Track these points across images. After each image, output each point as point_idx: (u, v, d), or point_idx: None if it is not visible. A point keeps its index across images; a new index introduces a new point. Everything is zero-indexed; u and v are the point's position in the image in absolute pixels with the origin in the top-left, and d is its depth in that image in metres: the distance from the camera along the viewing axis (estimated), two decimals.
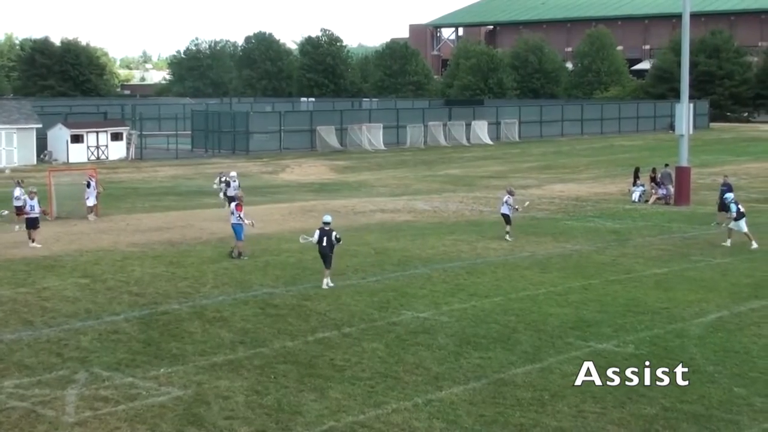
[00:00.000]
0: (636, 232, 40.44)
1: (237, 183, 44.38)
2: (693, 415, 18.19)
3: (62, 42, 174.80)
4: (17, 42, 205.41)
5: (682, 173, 50.80)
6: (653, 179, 52.49)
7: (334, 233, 29.15)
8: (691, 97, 61.42)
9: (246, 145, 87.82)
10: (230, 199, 43.25)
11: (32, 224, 36.94)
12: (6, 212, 39.42)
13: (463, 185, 61.01)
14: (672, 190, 50.90)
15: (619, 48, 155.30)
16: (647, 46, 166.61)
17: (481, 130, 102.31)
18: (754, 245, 36.60)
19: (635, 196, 51.94)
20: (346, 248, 35.98)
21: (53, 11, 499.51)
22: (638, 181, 53.06)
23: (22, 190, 40.46)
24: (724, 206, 42.27)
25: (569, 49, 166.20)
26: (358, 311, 26.17)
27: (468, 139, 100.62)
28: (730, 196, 38.98)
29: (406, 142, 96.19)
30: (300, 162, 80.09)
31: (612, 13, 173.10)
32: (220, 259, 33.28)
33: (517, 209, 39.02)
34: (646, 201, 51.20)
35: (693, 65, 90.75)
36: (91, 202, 43.52)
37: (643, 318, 25.51)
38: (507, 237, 37.72)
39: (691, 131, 52.71)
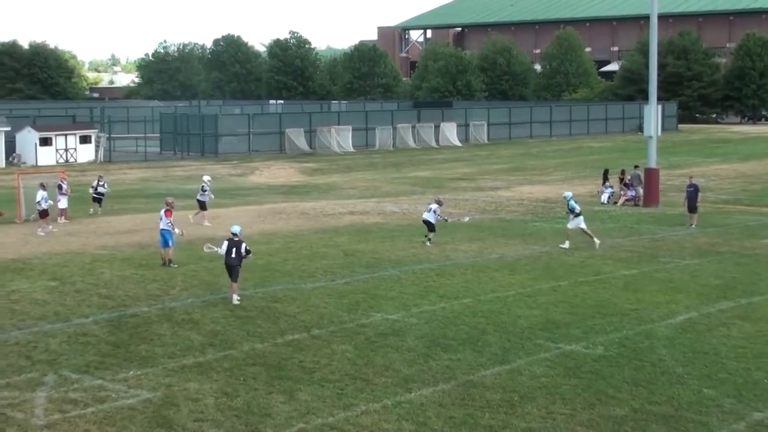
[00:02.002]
0: (605, 234, 40.55)
1: (209, 189, 43.61)
2: (662, 416, 18.29)
3: (30, 45, 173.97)
4: None
5: (651, 175, 51.06)
6: (622, 180, 52.74)
7: (243, 245, 27.53)
8: (660, 99, 61.84)
9: (215, 147, 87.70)
10: (201, 204, 43.08)
11: None
12: None
13: (432, 187, 61.07)
14: (641, 191, 51.13)
15: (588, 50, 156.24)
16: (615, 48, 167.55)
17: (450, 132, 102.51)
18: (597, 242, 36.95)
19: (604, 197, 52.18)
20: (316, 250, 36.01)
21: (21, 14, 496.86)
22: (607, 183, 53.29)
23: (46, 193, 40.56)
24: (691, 207, 42.63)
25: (538, 50, 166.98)
26: (328, 313, 26.18)
27: (437, 141, 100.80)
28: (568, 194, 38.69)
29: (375, 145, 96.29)
30: (269, 164, 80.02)
31: (580, 14, 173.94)
32: (189, 262, 33.19)
33: (445, 220, 38.85)
34: (615, 202, 51.45)
35: (661, 67, 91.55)
36: (62, 204, 43.32)
37: (613, 319, 25.63)
38: (427, 242, 37.20)
39: (659, 133, 53.02)
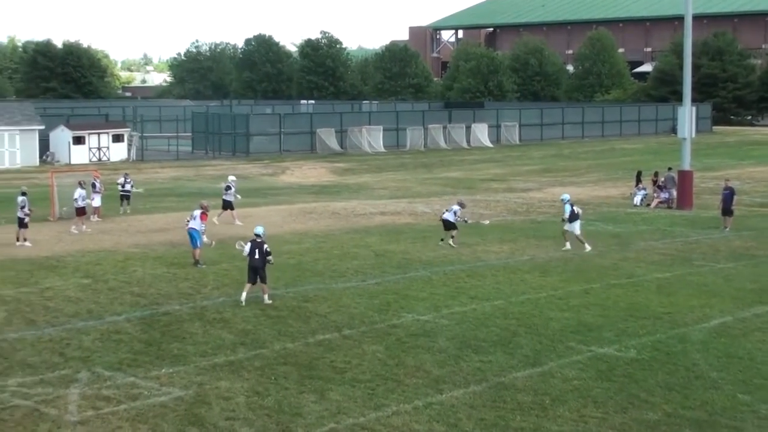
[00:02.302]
0: (638, 236, 40.43)
1: (234, 189, 43.58)
2: (696, 421, 18.17)
3: (64, 44, 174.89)
4: (20, 44, 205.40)
5: (685, 177, 50.74)
6: (655, 182, 52.48)
7: (266, 246, 27.31)
8: (694, 100, 61.55)
9: (246, 147, 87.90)
10: (225, 204, 43.11)
11: (22, 223, 37.32)
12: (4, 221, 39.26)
13: (463, 188, 61.00)
14: (675, 193, 50.84)
15: (621, 50, 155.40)
16: (649, 49, 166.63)
17: (481, 132, 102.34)
18: (587, 248, 36.51)
19: (637, 199, 51.93)
20: (347, 250, 36.03)
21: (55, 14, 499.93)
22: (640, 185, 53.04)
23: (83, 192, 40.95)
24: (726, 210, 42.37)
25: (570, 51, 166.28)
26: (359, 313, 26.18)
27: (468, 141, 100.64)
28: (566, 197, 38.13)
29: (406, 145, 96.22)
30: (300, 164, 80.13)
31: (613, 15, 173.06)
32: (221, 260, 33.28)
33: (465, 221, 38.73)
34: (648, 205, 51.19)
35: (695, 68, 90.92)
36: (96, 203, 43.48)
37: (645, 323, 25.49)
38: (450, 241, 37.04)
39: (693, 135, 52.66)
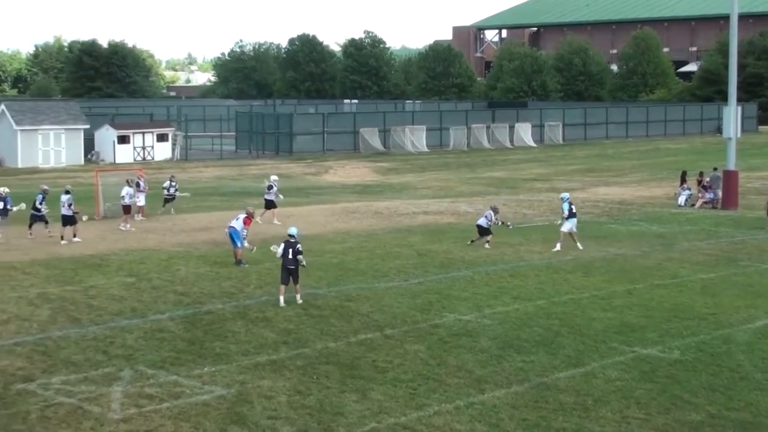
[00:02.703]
0: (682, 236, 40.15)
1: (276, 188, 43.62)
2: (740, 423, 18.01)
3: (109, 44, 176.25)
4: (65, 44, 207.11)
5: (730, 177, 50.32)
6: (700, 182, 52.09)
7: (298, 246, 27.18)
8: (739, 100, 61.02)
9: (289, 146, 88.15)
10: (267, 203, 43.19)
11: (68, 222, 37.72)
12: (23, 206, 39.48)
13: (506, 188, 60.88)
14: (720, 194, 50.43)
15: (665, 50, 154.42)
16: (694, 48, 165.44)
17: (524, 132, 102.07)
18: (579, 247, 36.45)
19: (681, 199, 51.56)
20: (389, 250, 36.03)
21: (101, 14, 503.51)
22: (685, 185, 52.67)
23: (131, 190, 41.51)
24: None
25: (614, 51, 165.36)
26: (401, 313, 26.17)
27: (511, 141, 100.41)
28: (565, 195, 38.01)
29: (449, 145, 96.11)
30: (343, 163, 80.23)
31: (658, 14, 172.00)
32: (264, 260, 33.34)
33: (508, 226, 38.75)
34: (693, 205, 50.82)
35: (741, 67, 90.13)
36: (140, 202, 43.68)
37: (689, 323, 25.31)
38: (487, 245, 36.88)
39: (738, 134, 52.27)
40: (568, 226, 36.87)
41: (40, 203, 38.21)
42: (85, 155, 77.36)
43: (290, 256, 27.03)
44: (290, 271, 27.14)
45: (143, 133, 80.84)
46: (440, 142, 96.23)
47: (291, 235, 27.54)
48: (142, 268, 32.30)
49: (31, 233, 38.32)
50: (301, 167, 76.79)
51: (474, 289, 29.35)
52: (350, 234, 40.12)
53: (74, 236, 37.80)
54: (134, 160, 77.96)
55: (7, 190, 40.49)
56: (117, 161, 76.54)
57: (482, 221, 37.33)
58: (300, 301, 27.19)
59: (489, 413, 18.29)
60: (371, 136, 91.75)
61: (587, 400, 19.13)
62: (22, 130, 73.37)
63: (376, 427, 17.59)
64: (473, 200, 53.17)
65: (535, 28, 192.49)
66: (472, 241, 37.40)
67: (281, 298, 27.06)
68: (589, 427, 17.73)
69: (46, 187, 40.22)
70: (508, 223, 39.19)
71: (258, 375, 20.50)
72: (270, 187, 43.33)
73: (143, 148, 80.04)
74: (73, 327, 24.50)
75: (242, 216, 33.29)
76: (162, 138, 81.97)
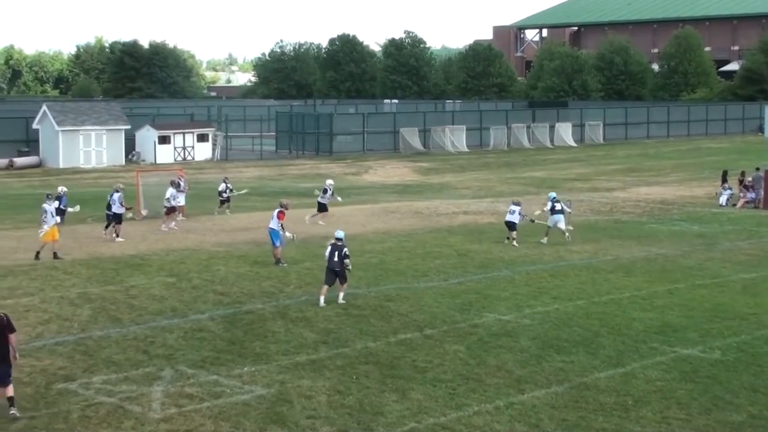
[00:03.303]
0: (723, 236, 39.90)
1: (331, 192, 43.46)
2: None
3: (150, 45, 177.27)
4: (107, 45, 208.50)
5: None
6: (741, 182, 51.72)
7: (345, 250, 27.31)
8: None
9: (329, 146, 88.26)
10: (320, 206, 43.14)
11: (116, 219, 38.20)
12: (78, 208, 39.94)
13: (546, 187, 60.59)
14: (762, 193, 50.04)
15: (707, 49, 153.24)
16: (736, 47, 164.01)
17: (565, 132, 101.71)
18: (568, 237, 37.85)
19: (723, 199, 51.21)
20: (429, 250, 36.02)
21: (142, 14, 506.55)
22: (726, 184, 52.31)
23: (175, 191, 41.83)
24: None
25: (655, 50, 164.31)
26: (440, 313, 26.16)
27: (552, 141, 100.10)
28: (552, 195, 39.08)
29: (489, 144, 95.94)
30: (383, 163, 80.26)
31: (699, 13, 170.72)
32: (304, 260, 33.44)
33: (532, 221, 38.90)
34: (734, 204, 50.46)
35: None
36: (180, 202, 43.80)
37: (731, 323, 25.15)
38: (514, 243, 37.34)
39: None
40: (556, 220, 37.97)
41: (120, 203, 38.60)
42: (126, 155, 77.78)
43: (335, 259, 27.11)
44: (336, 273, 27.22)
45: (184, 134, 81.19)
46: (480, 142, 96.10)
47: (338, 239, 27.65)
48: (182, 267, 32.45)
49: (105, 233, 38.77)
50: (341, 167, 76.89)
51: (514, 289, 29.30)
52: (390, 234, 40.14)
53: (117, 236, 38.11)
54: (175, 160, 78.32)
55: (65, 189, 41.08)
56: (158, 161, 76.91)
57: (514, 218, 37.67)
58: (342, 301, 27.25)
59: (529, 413, 18.26)
60: (411, 136, 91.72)
61: (627, 400, 19.06)
62: (63, 130, 73.87)
63: (416, 427, 17.60)
64: (513, 200, 52.93)
65: (576, 28, 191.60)
66: (507, 239, 37.57)
67: (321, 298, 27.11)
68: (629, 427, 17.66)
69: (121, 185, 40.73)
70: (533, 219, 39.20)
71: (298, 375, 20.55)
72: (325, 191, 43.24)
73: (184, 148, 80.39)
74: (114, 327, 24.65)
75: (276, 211, 33.35)
76: (202, 138, 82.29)
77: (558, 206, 38.03)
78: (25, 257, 33.93)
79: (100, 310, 26.33)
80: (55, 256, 33.73)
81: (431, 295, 28.26)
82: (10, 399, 18.08)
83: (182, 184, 44.28)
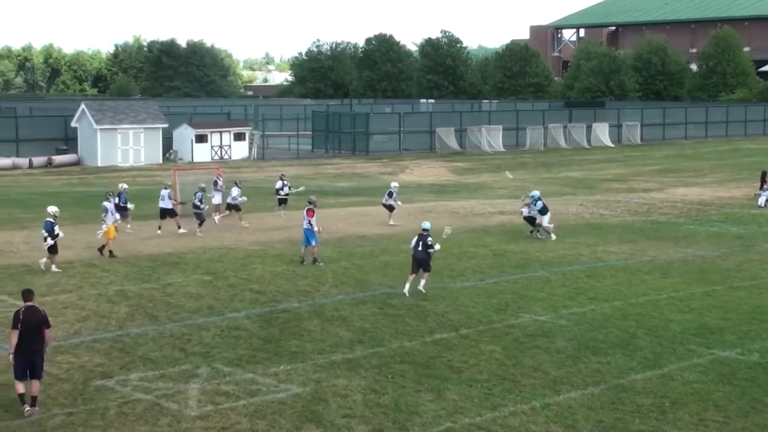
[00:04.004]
0: (762, 238, 39.60)
1: (395, 194, 43.12)
2: None
3: (188, 44, 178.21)
4: (145, 44, 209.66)
5: None
6: None
7: (429, 239, 28.46)
8: None
9: (366, 145, 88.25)
10: (388, 207, 43.02)
11: (167, 214, 39.62)
12: (131, 207, 40.48)
13: (583, 188, 60.45)
14: None
15: (746, 49, 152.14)
16: None
17: (602, 132, 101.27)
18: (552, 237, 38.36)
19: (761, 200, 50.80)
20: (465, 250, 35.98)
21: (180, 13, 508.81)
22: (765, 186, 51.91)
23: (239, 190, 42.50)
24: None
25: (694, 50, 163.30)
26: (476, 313, 26.12)
27: (588, 141, 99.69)
28: (536, 194, 39.53)
29: (525, 144, 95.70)
30: (419, 163, 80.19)
31: (738, 13, 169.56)
32: (339, 259, 33.48)
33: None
34: None
35: None
36: (217, 200, 43.89)
37: None
38: (539, 234, 38.94)
39: None
40: (544, 219, 38.84)
41: (200, 201, 39.58)
42: (164, 154, 78.10)
43: (420, 248, 28.32)
44: (420, 262, 28.38)
45: (221, 132, 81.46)
46: (516, 142, 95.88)
47: (425, 229, 28.95)
48: (219, 266, 32.56)
49: (200, 231, 39.48)
50: (377, 167, 76.87)
51: (550, 289, 29.22)
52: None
53: (179, 228, 39.35)
54: (212, 158, 78.57)
55: (125, 186, 41.55)
56: (195, 160, 77.19)
57: (532, 211, 38.88)
58: (423, 291, 28.06)
59: (565, 414, 18.21)
60: (447, 136, 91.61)
61: (664, 402, 18.97)
62: (101, 129, 74.26)
63: (451, 427, 17.59)
64: (549, 200, 52.79)
65: (613, 28, 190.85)
66: (531, 232, 38.80)
67: (407, 286, 28.16)
68: (666, 429, 17.58)
69: (203, 185, 41.71)
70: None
71: (333, 373, 20.58)
72: (390, 194, 43.11)
73: (221, 147, 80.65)
74: (151, 324, 24.78)
75: (306, 209, 33.47)
76: (239, 137, 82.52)
77: (540, 204, 38.80)
78: (63, 254, 34.12)
79: (137, 308, 26.47)
80: (111, 254, 34.17)
81: (467, 295, 28.22)
82: (34, 399, 18.24)
83: (220, 182, 44.40)
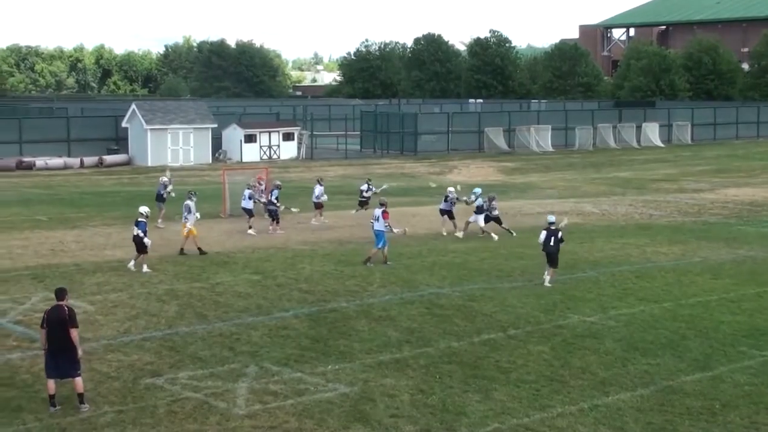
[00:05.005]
0: None
1: (453, 197, 43.04)
2: None
3: (237, 44, 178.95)
4: (195, 44, 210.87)
5: None
6: None
7: (560, 233, 29.80)
8: None
9: (414, 145, 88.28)
10: (480, 211, 42.92)
11: (249, 213, 40.45)
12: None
13: (632, 188, 60.12)
14: None
15: None
16: None
17: (652, 132, 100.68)
18: (495, 237, 38.41)
19: None
20: (513, 250, 35.89)
21: (229, 14, 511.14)
22: None
23: (322, 188, 43.39)
24: None
25: (745, 49, 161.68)
26: (524, 314, 26.05)
27: (638, 141, 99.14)
28: (477, 190, 39.52)
29: (574, 144, 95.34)
30: (467, 163, 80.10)
31: None
32: (388, 259, 33.46)
33: (466, 202, 40.22)
34: None
35: None
36: (247, 205, 43.67)
37: None
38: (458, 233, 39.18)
39: None
40: (477, 218, 38.80)
41: (276, 198, 40.24)
42: (213, 154, 78.57)
43: (551, 243, 29.58)
44: (550, 256, 29.73)
45: (269, 132, 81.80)
46: (565, 142, 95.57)
47: (551, 223, 30.17)
48: (267, 266, 32.67)
49: (272, 228, 40.16)
50: (425, 167, 76.88)
51: (599, 290, 29.08)
52: (473, 234, 40.00)
53: (250, 228, 39.75)
54: (260, 158, 78.92)
55: (166, 179, 42.32)
56: (244, 160, 77.56)
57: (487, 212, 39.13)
58: (548, 285, 29.28)
59: (613, 416, 18.12)
60: (496, 136, 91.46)
61: (715, 404, 18.82)
62: (152, 129, 74.82)
63: (499, 428, 17.56)
64: (598, 200, 52.62)
65: (664, 27, 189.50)
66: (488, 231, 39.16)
67: (546, 278, 29.60)
68: None
69: (279, 182, 42.71)
70: (465, 198, 40.31)
71: (381, 373, 20.60)
72: (446, 198, 42.98)
73: (269, 147, 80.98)
74: (200, 323, 24.92)
75: (379, 211, 33.40)
76: (288, 137, 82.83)
77: (485, 206, 38.99)
78: (113, 254, 34.46)
79: (187, 307, 26.63)
80: (201, 251, 34.75)
81: (515, 296, 28.15)
82: (80, 396, 18.44)
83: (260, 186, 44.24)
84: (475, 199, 39.02)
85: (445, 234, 39.86)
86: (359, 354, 22.10)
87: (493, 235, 38.46)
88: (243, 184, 44.15)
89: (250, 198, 40.45)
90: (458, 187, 42.77)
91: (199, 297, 27.80)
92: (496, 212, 39.28)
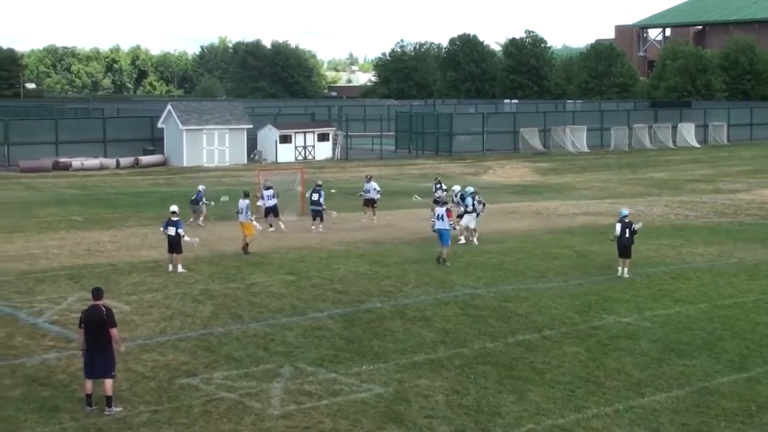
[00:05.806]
0: None
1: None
2: None
3: (273, 45, 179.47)
4: (230, 45, 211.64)
5: None
6: None
7: (634, 226, 31.08)
8: None
9: (449, 146, 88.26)
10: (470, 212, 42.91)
11: (271, 212, 40.91)
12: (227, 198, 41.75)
13: (668, 189, 59.82)
14: None
15: None
16: None
17: (687, 132, 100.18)
18: (475, 242, 37.36)
19: None
20: (548, 250, 35.80)
21: (265, 15, 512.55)
22: None
23: (374, 184, 43.92)
24: None
25: None
26: (559, 314, 25.98)
27: (674, 141, 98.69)
28: (469, 189, 38.52)
29: (610, 145, 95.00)
30: (502, 163, 79.97)
31: None
32: (423, 259, 33.49)
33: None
34: None
35: None
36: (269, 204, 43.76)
37: None
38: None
39: None
40: (467, 219, 37.58)
41: (320, 197, 40.71)
42: (248, 154, 78.81)
43: (627, 235, 30.86)
44: (624, 248, 31.04)
45: (305, 133, 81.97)
46: (601, 143, 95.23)
47: (625, 216, 31.43)
48: (302, 266, 32.74)
49: (314, 227, 40.70)
50: (460, 167, 76.80)
51: (634, 291, 28.95)
52: (509, 234, 39.97)
53: (270, 226, 40.26)
54: (296, 159, 79.11)
55: (203, 187, 43.32)
56: (279, 161, 77.75)
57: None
58: (626, 276, 30.72)
59: (649, 417, 18.05)
60: (531, 136, 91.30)
61: (751, 406, 18.72)
62: (187, 129, 75.14)
63: (534, 429, 17.53)
64: (634, 201, 52.39)
65: (700, 27, 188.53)
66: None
67: (619, 269, 31.03)
68: None
69: (320, 182, 43.08)
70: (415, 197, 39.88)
71: (415, 374, 20.60)
72: (463, 198, 42.97)
73: (304, 147, 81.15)
74: (235, 323, 25.00)
75: (442, 210, 33.50)
76: (323, 138, 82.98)
77: (478, 206, 38.14)
78: (149, 254, 34.63)
79: (222, 307, 26.73)
80: (245, 249, 35.08)
81: (550, 297, 28.08)
82: (108, 399, 18.41)
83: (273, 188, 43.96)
84: (471, 200, 37.74)
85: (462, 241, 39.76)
86: (394, 354, 22.11)
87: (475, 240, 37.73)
88: (280, 184, 44.29)
89: (275, 196, 40.80)
90: (417, 197, 43.08)
91: (234, 297, 27.90)
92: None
